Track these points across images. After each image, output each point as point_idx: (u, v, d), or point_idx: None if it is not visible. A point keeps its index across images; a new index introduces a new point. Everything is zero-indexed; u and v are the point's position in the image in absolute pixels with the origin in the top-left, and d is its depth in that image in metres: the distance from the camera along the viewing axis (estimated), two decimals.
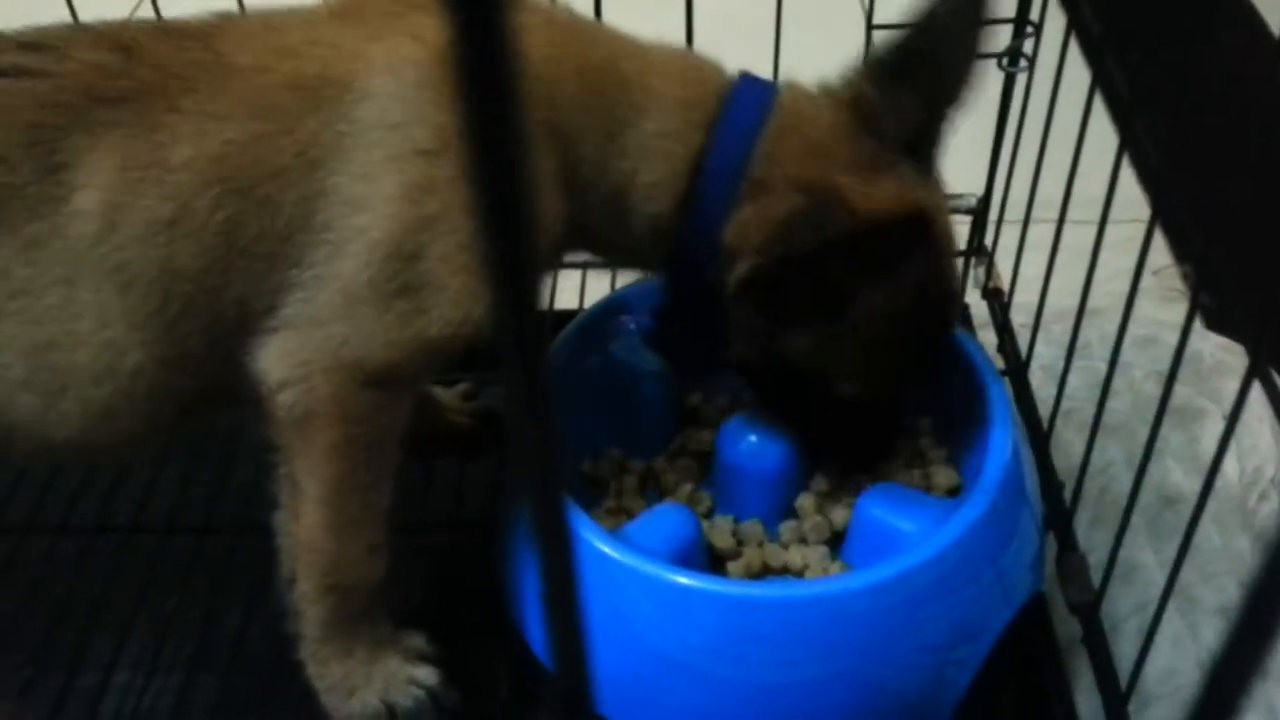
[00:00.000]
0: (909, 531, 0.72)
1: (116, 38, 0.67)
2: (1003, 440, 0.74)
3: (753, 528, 0.78)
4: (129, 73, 0.66)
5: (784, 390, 0.76)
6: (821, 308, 0.69)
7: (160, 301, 0.66)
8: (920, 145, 0.71)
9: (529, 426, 0.19)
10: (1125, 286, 0.67)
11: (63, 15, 0.85)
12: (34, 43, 0.67)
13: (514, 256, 0.17)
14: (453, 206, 0.64)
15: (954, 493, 0.80)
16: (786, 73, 0.92)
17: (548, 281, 0.86)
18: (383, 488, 0.71)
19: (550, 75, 0.67)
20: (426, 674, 0.74)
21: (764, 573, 0.77)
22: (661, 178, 0.70)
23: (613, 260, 0.78)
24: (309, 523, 0.70)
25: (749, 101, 0.71)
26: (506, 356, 0.18)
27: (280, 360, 0.66)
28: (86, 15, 0.75)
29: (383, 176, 0.64)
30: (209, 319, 0.67)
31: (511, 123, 0.16)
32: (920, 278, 0.69)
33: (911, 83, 0.69)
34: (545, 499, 0.19)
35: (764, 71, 0.87)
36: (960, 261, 1.02)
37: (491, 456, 0.92)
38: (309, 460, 0.68)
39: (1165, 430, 0.65)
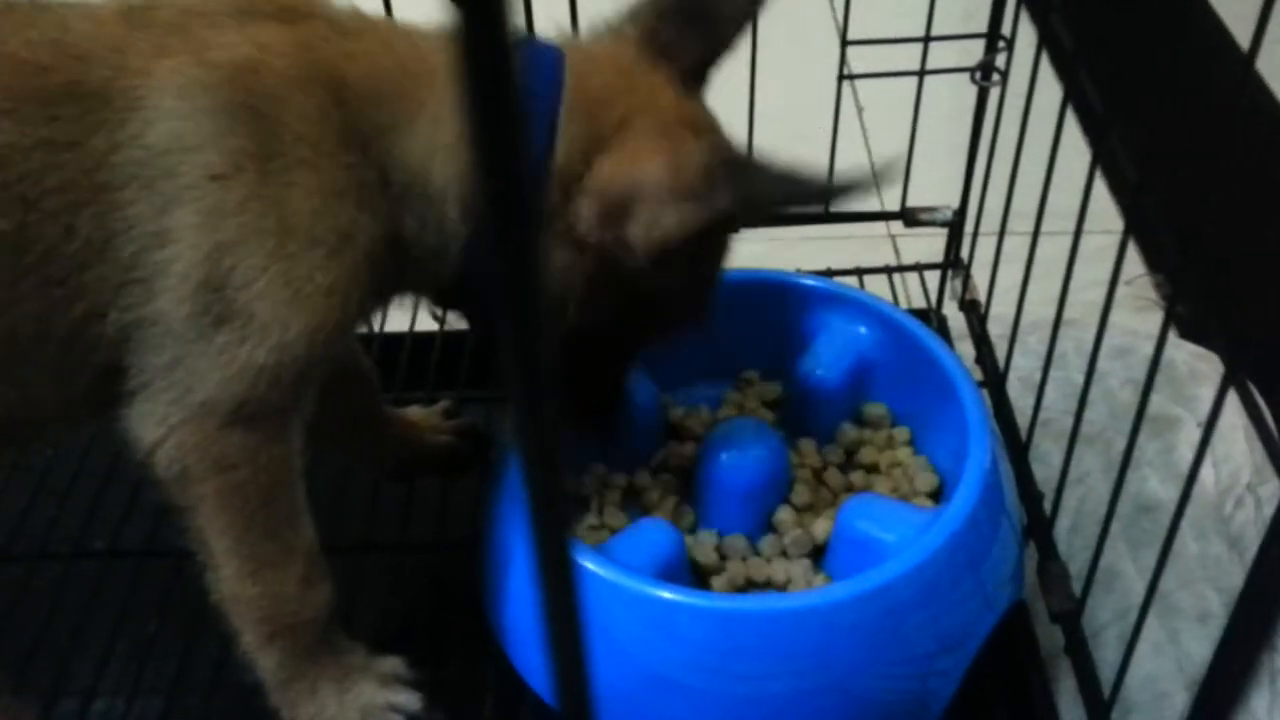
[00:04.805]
0: (890, 542, 0.73)
1: None
2: (981, 451, 0.75)
3: (736, 542, 0.79)
4: None
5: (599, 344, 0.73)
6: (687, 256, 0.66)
7: None
8: (694, 81, 0.71)
9: (536, 445, 0.19)
10: (1100, 297, 0.67)
11: None
12: None
13: (520, 264, 0.17)
14: (249, 231, 0.61)
15: (936, 495, 0.81)
16: (762, 92, 0.93)
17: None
18: (296, 524, 0.68)
19: (336, 76, 0.63)
20: (406, 699, 0.73)
21: (748, 587, 0.78)
22: (450, 180, 0.65)
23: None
24: (227, 574, 0.68)
25: (540, 79, 0.65)
26: (513, 389, 0.18)
27: (143, 422, 0.64)
28: None
29: (180, 205, 0.61)
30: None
31: (515, 132, 0.16)
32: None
33: (695, 25, 0.70)
34: (550, 525, 0.19)
35: (740, 85, 0.88)
36: (938, 275, 1.03)
37: (474, 474, 0.92)
38: (204, 515, 0.66)
39: (1141, 439, 0.66)
